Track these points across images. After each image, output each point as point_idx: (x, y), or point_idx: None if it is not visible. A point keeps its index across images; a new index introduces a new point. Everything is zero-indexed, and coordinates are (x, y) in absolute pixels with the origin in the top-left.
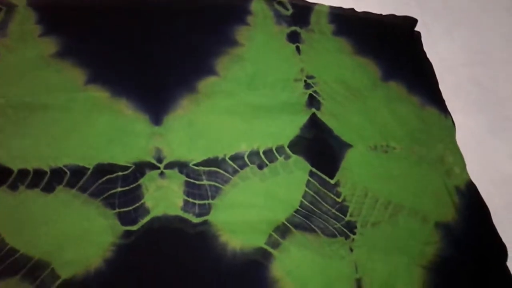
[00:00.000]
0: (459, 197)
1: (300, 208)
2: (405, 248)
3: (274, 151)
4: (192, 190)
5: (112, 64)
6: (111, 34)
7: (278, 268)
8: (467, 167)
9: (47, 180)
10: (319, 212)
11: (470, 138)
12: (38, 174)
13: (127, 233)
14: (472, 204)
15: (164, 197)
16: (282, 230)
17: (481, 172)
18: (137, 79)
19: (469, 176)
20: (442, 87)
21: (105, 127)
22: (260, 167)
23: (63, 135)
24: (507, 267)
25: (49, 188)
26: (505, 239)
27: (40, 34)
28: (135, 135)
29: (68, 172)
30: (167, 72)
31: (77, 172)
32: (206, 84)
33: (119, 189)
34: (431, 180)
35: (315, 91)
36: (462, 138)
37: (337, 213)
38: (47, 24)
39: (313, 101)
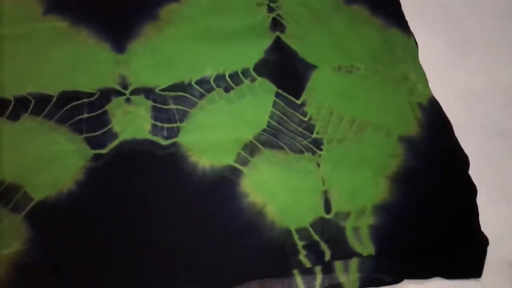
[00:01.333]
0: (422, 113)
1: (267, 128)
2: (370, 161)
3: (240, 74)
4: (160, 115)
5: None
6: None
7: (248, 183)
8: (430, 84)
9: (11, 108)
10: (286, 130)
11: (433, 57)
12: (2, 103)
13: (97, 157)
14: (434, 118)
15: (131, 122)
16: (251, 148)
17: (443, 88)
18: (97, 8)
19: (431, 93)
20: (404, 8)
21: (67, 55)
22: (227, 90)
23: (25, 64)
24: (469, 175)
25: (14, 117)
26: (466, 150)
27: None
28: (99, 62)
29: (33, 100)
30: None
31: (42, 100)
32: (167, 10)
33: (86, 115)
34: (395, 98)
35: (278, 15)
36: (425, 57)
37: (303, 131)
38: None
39: (276, 24)
